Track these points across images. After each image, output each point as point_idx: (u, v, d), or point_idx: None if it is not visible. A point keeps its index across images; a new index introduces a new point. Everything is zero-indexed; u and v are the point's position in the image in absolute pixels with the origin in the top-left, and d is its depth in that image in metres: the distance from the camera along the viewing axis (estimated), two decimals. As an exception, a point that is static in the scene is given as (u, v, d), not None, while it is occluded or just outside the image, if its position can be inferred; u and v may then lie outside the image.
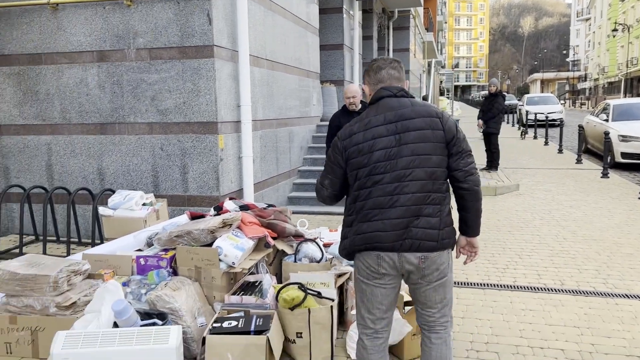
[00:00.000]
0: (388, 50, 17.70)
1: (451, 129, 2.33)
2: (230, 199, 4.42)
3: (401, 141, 2.29)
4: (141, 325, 2.94)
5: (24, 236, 5.79)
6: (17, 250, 5.39)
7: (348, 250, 2.42)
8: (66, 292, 3.38)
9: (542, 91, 76.54)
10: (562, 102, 39.92)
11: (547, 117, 17.73)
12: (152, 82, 5.63)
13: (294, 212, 6.99)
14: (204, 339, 2.89)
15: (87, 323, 3.00)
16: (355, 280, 2.47)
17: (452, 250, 2.43)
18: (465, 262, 2.63)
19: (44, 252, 5.11)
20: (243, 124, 6.00)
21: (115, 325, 2.97)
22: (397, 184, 2.28)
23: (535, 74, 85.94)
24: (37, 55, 5.91)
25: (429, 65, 10.87)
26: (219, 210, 4.19)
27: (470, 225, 2.45)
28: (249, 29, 6.09)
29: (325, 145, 5.13)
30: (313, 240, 4.04)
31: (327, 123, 9.61)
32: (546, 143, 15.92)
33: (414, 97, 2.42)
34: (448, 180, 2.38)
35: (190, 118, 5.58)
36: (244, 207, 4.27)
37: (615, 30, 48.07)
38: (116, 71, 5.71)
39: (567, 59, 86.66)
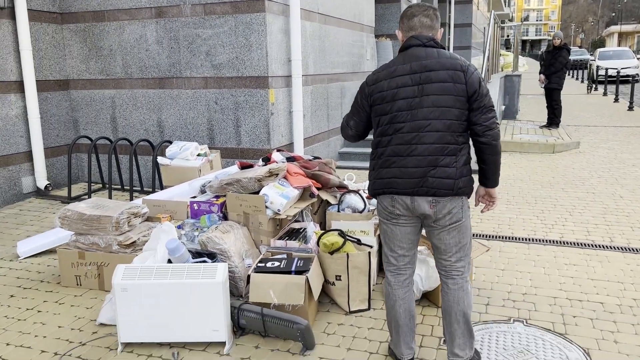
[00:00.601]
0: (450, 2, 17.06)
1: (474, 83, 2.35)
2: (278, 150, 4.58)
3: (423, 92, 2.34)
4: (192, 263, 3.19)
5: (92, 184, 6.24)
6: (86, 197, 5.84)
7: (370, 193, 2.56)
8: (127, 232, 3.70)
9: (619, 45, 71.48)
10: (639, 56, 37.20)
11: (619, 72, 16.70)
12: (206, 37, 5.80)
13: (344, 167, 7.12)
14: (248, 277, 3.11)
15: (145, 259, 3.29)
16: (379, 222, 2.60)
17: (468, 197, 2.49)
18: (482, 211, 2.71)
19: (110, 199, 5.52)
20: (294, 78, 6.10)
21: (169, 262, 3.24)
22: (416, 134, 2.35)
23: (613, 27, 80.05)
24: (100, 12, 6.20)
25: (495, 19, 10.35)
26: (267, 161, 4.37)
27: (489, 177, 2.52)
28: (301, -17, 6.10)
29: None
30: (356, 192, 4.16)
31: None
32: (616, 100, 15.08)
33: (443, 48, 2.44)
34: (468, 132, 2.43)
35: (242, 72, 5.74)
36: (290, 159, 4.43)
37: None
38: (173, 27, 5.91)
39: (650, 10, 79.97)
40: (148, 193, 5.90)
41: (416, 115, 2.34)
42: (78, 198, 5.90)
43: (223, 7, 5.67)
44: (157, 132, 6.27)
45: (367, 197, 4.03)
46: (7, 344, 3.01)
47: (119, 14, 6.12)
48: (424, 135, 2.34)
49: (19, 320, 3.30)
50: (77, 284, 3.73)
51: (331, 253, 3.28)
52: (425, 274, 3.30)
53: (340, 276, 3.28)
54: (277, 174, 3.91)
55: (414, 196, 2.38)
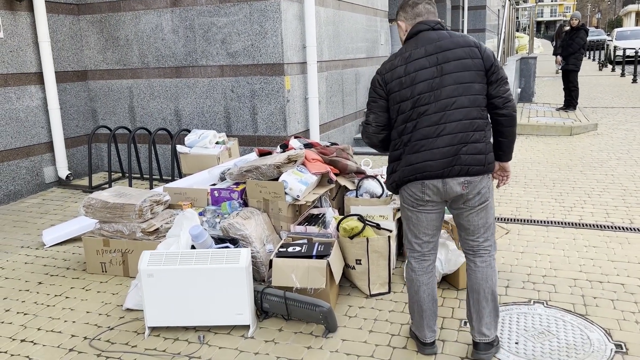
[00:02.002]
0: (463, -15, 16.83)
1: (489, 57, 2.41)
2: (296, 137, 4.61)
3: (443, 71, 2.36)
4: (215, 249, 3.25)
5: (112, 173, 6.34)
6: (107, 186, 5.94)
7: (397, 183, 2.53)
8: (150, 219, 3.77)
9: (637, 25, 70.00)
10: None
11: (637, 52, 16.38)
12: (221, 26, 5.82)
13: (360, 153, 7.12)
14: (270, 261, 3.17)
15: (169, 246, 3.36)
16: (402, 209, 2.61)
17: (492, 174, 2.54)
18: (497, 186, 2.75)
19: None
20: (309, 65, 6.10)
21: (193, 248, 3.31)
22: (443, 113, 2.36)
23: (630, 6, 78.21)
24: (116, 3, 6.24)
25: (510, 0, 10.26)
26: (285, 147, 4.41)
27: (505, 150, 2.56)
28: (314, -32, 6.08)
29: None
30: (374, 177, 4.19)
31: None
32: (634, 81, 14.84)
33: (450, 29, 2.50)
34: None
35: (258, 60, 5.76)
36: (308, 145, 4.46)
37: None
38: (188, 16, 5.94)
39: (669, -13, 78.04)
40: (167, 181, 5.98)
41: (440, 95, 2.37)
42: (99, 187, 6.00)
43: (237, -5, 5.68)
44: (175, 120, 6.33)
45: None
46: (39, 329, 3.11)
47: (134, 4, 6.16)
48: (452, 113, 2.36)
49: (48, 306, 3.39)
50: (103, 271, 3.82)
51: (351, 238, 3.32)
52: (445, 257, 3.32)
53: (360, 260, 3.32)
54: (296, 161, 3.94)
55: (446, 178, 2.41)
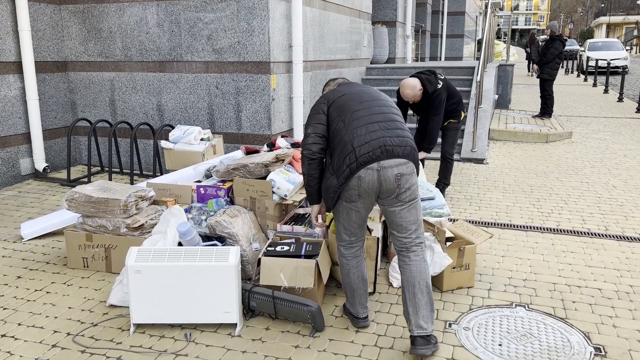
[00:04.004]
0: (443, -9, 17.06)
1: None
2: (282, 136, 4.62)
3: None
4: (203, 246, 3.23)
5: (91, 167, 6.23)
6: (85, 180, 5.83)
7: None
8: (134, 215, 3.73)
9: (607, 36, 71.85)
10: (628, 48, 37.52)
11: (609, 63, 16.86)
12: (208, 22, 5.78)
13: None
14: (259, 260, 3.17)
15: (155, 242, 3.32)
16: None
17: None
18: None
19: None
20: (294, 64, 6.11)
21: (180, 244, 3.29)
22: None
23: (601, 18, 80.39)
24: (100, -6, 6.14)
25: (486, 6, 10.36)
26: (272, 146, 4.41)
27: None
28: (303, -32, 6.09)
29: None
30: (361, 178, 4.21)
31: (378, 65, 9.56)
32: (606, 91, 15.26)
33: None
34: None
35: (244, 57, 5.74)
36: (295, 145, 4.47)
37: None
38: (174, 10, 5.88)
39: (638, 1, 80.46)
40: (148, 177, 5.91)
41: None
42: (77, 181, 5.89)
43: (225, -9, 5.64)
44: (157, 115, 6.25)
45: None
46: (19, 324, 3.04)
47: (118, -4, 6.06)
48: None
49: (29, 301, 3.32)
50: (84, 266, 3.76)
51: None
52: (430, 260, 3.37)
53: None
54: (284, 160, 3.95)
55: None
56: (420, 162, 2.79)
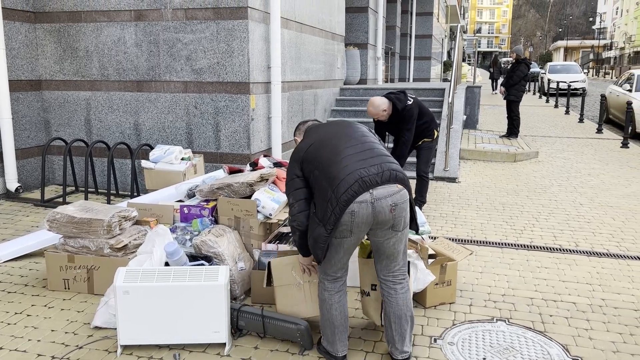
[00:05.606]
0: (411, 14, 17.53)
1: None
2: (265, 156, 4.67)
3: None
4: (190, 266, 3.24)
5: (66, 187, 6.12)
6: (60, 200, 5.73)
7: None
8: (118, 235, 3.70)
9: (565, 59, 74.77)
10: (586, 71, 39.10)
11: (569, 85, 17.57)
12: (187, 42, 5.82)
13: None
14: (269, 263, 3.16)
15: (141, 262, 3.30)
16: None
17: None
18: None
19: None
20: (273, 85, 6.19)
21: (167, 264, 3.28)
22: None
23: (559, 42, 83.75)
24: (77, 13, 6.11)
25: (452, 30, 10.77)
26: (254, 166, 4.45)
27: None
28: (281, -9, 6.22)
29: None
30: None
31: (351, 86, 9.73)
32: (567, 112, 15.87)
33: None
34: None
35: (223, 78, 5.79)
36: (277, 164, 4.52)
37: (645, -3, 46.52)
38: (153, 30, 5.90)
39: (593, 27, 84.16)
40: (124, 197, 5.85)
41: None
42: (51, 201, 5.79)
43: (205, 13, 5.71)
44: (134, 135, 6.22)
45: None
46: (1, 348, 2.98)
47: (96, 15, 6.05)
48: None
49: (9, 324, 3.25)
50: (65, 288, 3.70)
51: (368, 256, 3.13)
52: (414, 277, 3.45)
53: (376, 285, 3.05)
54: (268, 179, 4.00)
55: None
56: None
